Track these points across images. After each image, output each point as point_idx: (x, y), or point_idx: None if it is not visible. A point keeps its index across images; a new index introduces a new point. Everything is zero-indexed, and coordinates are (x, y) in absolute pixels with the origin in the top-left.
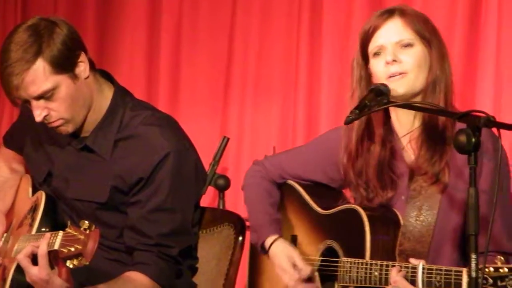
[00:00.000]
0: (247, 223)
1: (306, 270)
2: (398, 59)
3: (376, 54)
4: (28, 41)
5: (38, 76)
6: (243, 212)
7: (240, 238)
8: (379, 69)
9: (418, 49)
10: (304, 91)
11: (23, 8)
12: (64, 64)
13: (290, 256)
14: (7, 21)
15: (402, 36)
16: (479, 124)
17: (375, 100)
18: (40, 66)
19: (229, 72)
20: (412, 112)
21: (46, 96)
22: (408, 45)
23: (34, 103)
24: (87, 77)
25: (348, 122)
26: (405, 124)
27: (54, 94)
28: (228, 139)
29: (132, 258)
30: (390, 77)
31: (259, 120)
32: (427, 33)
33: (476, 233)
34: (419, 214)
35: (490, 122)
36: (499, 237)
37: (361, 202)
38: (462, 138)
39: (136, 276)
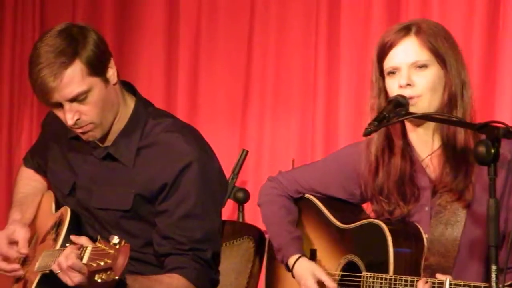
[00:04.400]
0: (267, 236)
1: (332, 285)
2: (412, 82)
3: (391, 73)
4: (63, 44)
5: (76, 77)
6: (262, 225)
7: (260, 251)
8: (393, 90)
9: (433, 71)
10: (323, 104)
11: (41, 15)
12: (98, 66)
13: (314, 273)
14: (25, 27)
15: (417, 57)
16: (498, 134)
17: (394, 112)
18: (78, 67)
19: (248, 85)
20: (430, 132)
21: (80, 98)
22: (423, 66)
23: (67, 106)
24: (115, 83)
25: (367, 134)
26: (426, 143)
27: (88, 97)
28: (247, 152)
29: (166, 264)
30: None
31: (278, 133)
32: (443, 50)
33: (496, 244)
34: (445, 229)
35: (510, 132)
36: None
37: (382, 215)
38: (482, 149)
39: (175, 277)
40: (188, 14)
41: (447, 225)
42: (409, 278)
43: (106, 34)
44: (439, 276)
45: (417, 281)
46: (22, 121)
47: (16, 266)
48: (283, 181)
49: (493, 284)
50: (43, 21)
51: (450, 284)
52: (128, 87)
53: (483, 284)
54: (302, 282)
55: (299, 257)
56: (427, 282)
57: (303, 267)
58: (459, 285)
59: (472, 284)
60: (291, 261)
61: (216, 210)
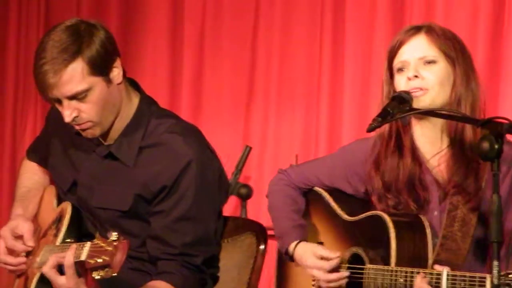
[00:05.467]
0: (269, 232)
1: (334, 259)
2: (419, 75)
3: (400, 69)
4: (68, 40)
5: (75, 75)
6: (265, 221)
7: (262, 246)
8: (401, 85)
9: (441, 66)
10: (327, 100)
11: (46, 11)
12: (101, 66)
13: (315, 251)
14: (31, 23)
15: (426, 53)
16: (502, 130)
17: (398, 108)
18: (79, 65)
19: (252, 81)
20: (438, 130)
21: (79, 96)
22: (431, 62)
23: (66, 102)
24: (119, 83)
25: (371, 129)
26: (433, 142)
27: (87, 96)
28: (250, 148)
29: (156, 267)
30: (411, 92)
31: (281, 129)
32: (453, 51)
33: (499, 240)
34: (460, 226)
35: None
36: None
37: (388, 210)
38: (485, 144)
39: (160, 285)
40: (193, 10)
41: (461, 223)
42: (409, 270)
43: (111, 31)
44: (437, 267)
45: (417, 273)
46: (27, 116)
47: (23, 259)
48: (292, 174)
49: (495, 280)
50: (48, 18)
51: (448, 275)
52: (133, 84)
53: (478, 275)
54: (305, 263)
55: (299, 242)
56: (424, 277)
57: (303, 249)
58: (456, 276)
59: (468, 275)
60: (291, 246)
61: (212, 214)
